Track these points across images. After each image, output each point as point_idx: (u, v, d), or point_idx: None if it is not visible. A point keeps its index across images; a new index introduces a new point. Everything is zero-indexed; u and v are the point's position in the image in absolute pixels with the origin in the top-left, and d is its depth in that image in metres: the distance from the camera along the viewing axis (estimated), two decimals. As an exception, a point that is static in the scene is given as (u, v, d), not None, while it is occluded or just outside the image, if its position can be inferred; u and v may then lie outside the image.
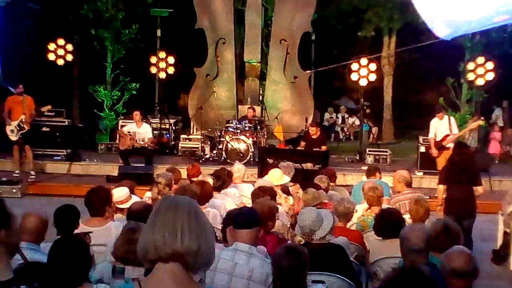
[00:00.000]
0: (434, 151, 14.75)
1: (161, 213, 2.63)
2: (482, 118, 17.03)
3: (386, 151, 18.47)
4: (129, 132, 15.42)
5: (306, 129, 17.08)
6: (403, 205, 8.13)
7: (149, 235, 2.60)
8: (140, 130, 15.40)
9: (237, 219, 5.03)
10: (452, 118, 15.32)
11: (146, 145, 15.27)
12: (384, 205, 7.84)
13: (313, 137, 16.23)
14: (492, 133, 20.53)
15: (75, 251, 4.09)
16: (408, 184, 8.93)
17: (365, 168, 11.98)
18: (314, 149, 15.62)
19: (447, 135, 14.63)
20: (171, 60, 19.47)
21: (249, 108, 18.09)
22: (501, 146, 20.63)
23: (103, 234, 5.94)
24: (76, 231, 5.70)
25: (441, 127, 14.79)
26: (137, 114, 15.61)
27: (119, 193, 7.41)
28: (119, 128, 17.38)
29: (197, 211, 2.66)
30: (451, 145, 14.27)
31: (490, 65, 18.13)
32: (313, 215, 5.42)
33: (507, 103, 20.84)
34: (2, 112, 15.06)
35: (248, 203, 7.89)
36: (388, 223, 6.10)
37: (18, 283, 2.71)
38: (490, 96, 20.71)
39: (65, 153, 17.19)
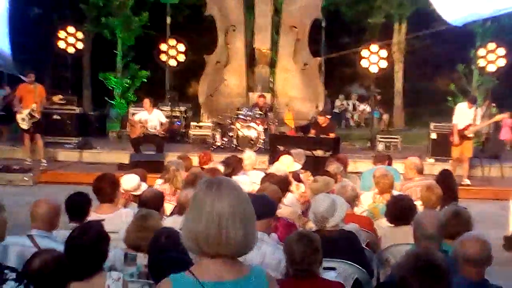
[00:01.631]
0: (456, 139, 14.15)
1: (207, 203, 2.56)
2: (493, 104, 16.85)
3: (397, 138, 18.42)
4: (140, 120, 15.37)
5: (315, 118, 16.96)
6: (414, 192, 8.08)
7: (193, 225, 2.58)
8: (151, 117, 15.30)
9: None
10: (479, 109, 14.93)
11: (157, 133, 15.26)
12: (395, 192, 7.81)
13: (322, 125, 16.13)
14: (503, 120, 20.39)
15: (95, 240, 4.09)
16: (420, 171, 8.88)
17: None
18: (323, 136, 15.54)
19: (470, 125, 14.25)
20: (181, 47, 19.47)
21: (259, 95, 18.05)
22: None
23: (114, 221, 5.88)
24: (88, 219, 5.68)
25: (467, 114, 14.33)
26: (146, 102, 15.49)
27: (130, 180, 7.39)
28: (130, 116, 17.38)
29: (240, 197, 2.64)
30: (472, 136, 14.24)
31: (501, 51, 18.04)
32: (327, 202, 5.35)
33: None
34: (14, 100, 15.11)
35: (259, 190, 7.87)
36: (400, 210, 6.06)
37: (2, 268, 2.71)
38: (501, 82, 20.56)
39: (76, 141, 17.24)
